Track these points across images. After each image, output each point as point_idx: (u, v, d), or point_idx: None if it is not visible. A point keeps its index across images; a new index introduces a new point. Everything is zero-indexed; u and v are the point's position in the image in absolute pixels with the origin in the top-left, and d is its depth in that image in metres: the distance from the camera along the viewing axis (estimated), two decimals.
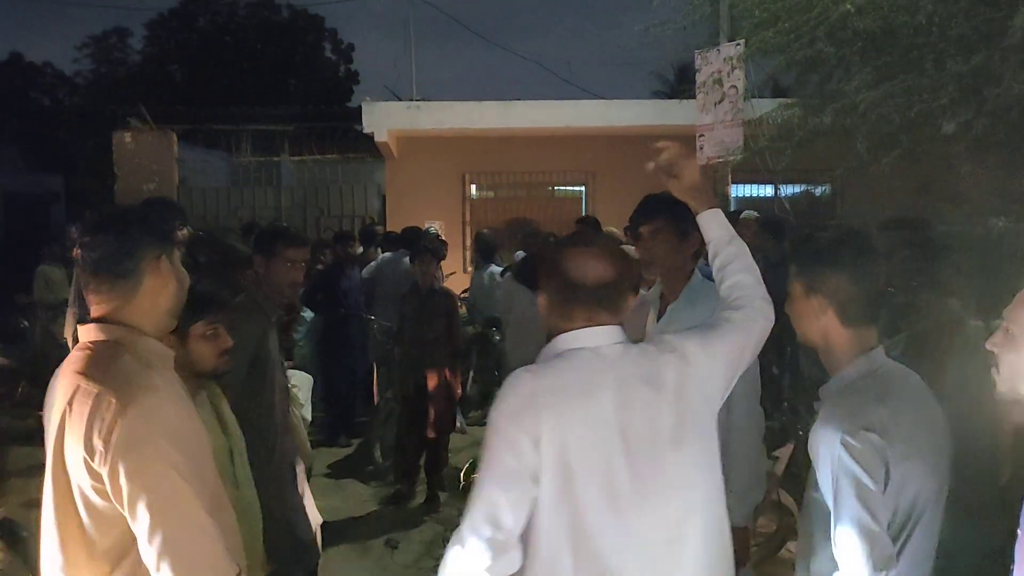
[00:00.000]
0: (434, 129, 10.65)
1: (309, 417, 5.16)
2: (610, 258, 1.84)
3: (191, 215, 5.31)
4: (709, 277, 2.42)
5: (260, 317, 3.36)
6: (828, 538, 1.81)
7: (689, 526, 1.80)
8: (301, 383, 5.15)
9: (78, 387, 1.72)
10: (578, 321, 1.83)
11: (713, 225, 2.12)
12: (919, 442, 1.81)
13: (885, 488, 1.75)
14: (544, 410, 1.71)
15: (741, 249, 2.10)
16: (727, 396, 1.96)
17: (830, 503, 1.78)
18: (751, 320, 1.99)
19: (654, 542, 1.76)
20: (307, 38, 29.98)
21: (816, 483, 1.88)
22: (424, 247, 6.11)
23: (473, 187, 11.68)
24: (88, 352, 1.79)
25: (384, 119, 10.48)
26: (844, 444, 1.72)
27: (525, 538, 1.74)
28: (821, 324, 1.94)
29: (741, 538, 2.55)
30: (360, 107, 10.77)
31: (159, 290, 1.85)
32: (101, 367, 1.75)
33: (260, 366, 3.29)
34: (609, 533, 1.72)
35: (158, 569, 1.66)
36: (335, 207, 12.90)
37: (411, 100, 11.43)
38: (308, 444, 5.10)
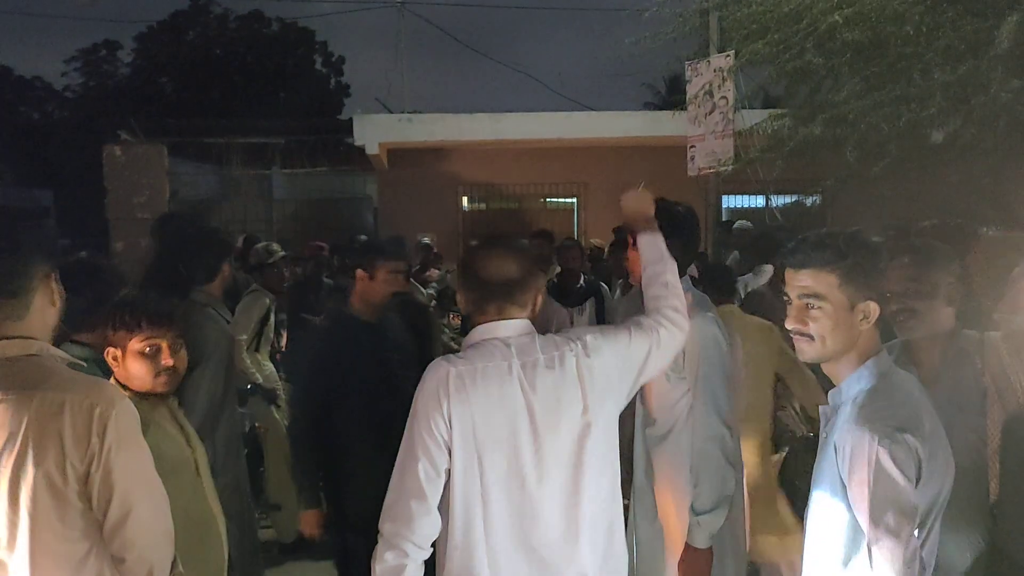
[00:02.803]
0: (426, 141, 10.67)
1: None
2: (515, 258, 2.12)
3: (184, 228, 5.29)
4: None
5: (221, 326, 3.46)
6: (837, 542, 1.81)
7: (584, 497, 2.05)
8: None
9: (43, 400, 1.75)
10: (490, 314, 2.09)
11: (648, 246, 2.48)
12: (936, 441, 1.81)
13: (917, 485, 1.74)
14: (454, 392, 1.97)
15: (666, 267, 2.42)
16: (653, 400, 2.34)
17: (855, 504, 1.76)
18: (657, 325, 2.27)
19: (554, 510, 2.02)
20: (297, 51, 30.00)
21: (827, 486, 1.86)
22: None
23: (465, 199, 11.70)
24: (20, 367, 1.79)
25: (375, 131, 10.49)
26: (882, 446, 1.71)
27: (442, 507, 2.00)
28: (857, 330, 1.87)
29: (704, 560, 2.54)
30: (351, 119, 10.78)
31: (47, 308, 1.88)
32: (52, 377, 1.80)
33: (228, 374, 3.41)
34: (515, 500, 2.00)
35: (132, 547, 1.84)
36: (327, 220, 12.89)
37: (402, 112, 11.45)
38: None
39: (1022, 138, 5.72)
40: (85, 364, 2.04)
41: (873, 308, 1.85)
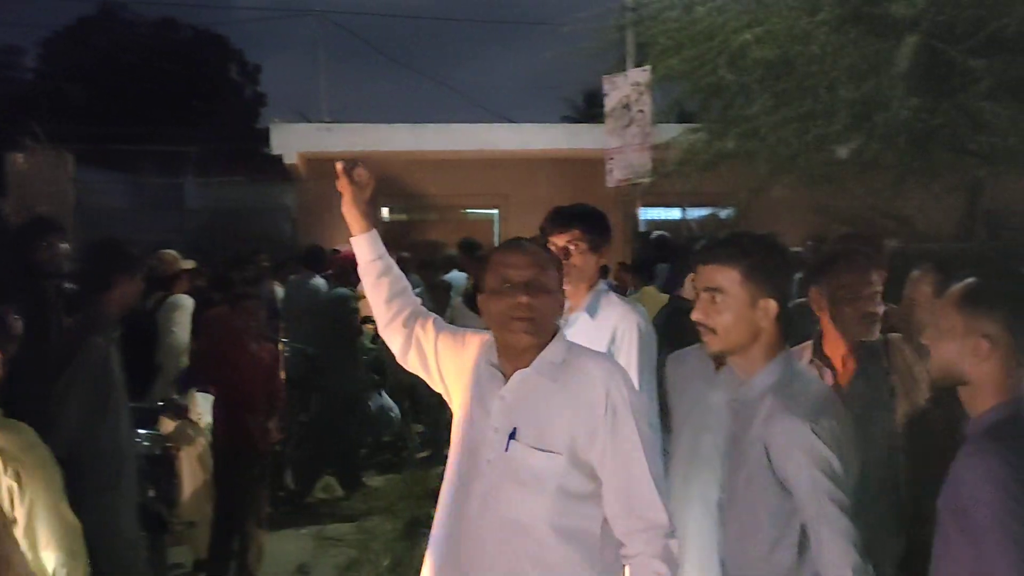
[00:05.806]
0: (345, 151, 10.52)
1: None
2: None
3: (90, 237, 5.04)
4: (614, 289, 2.78)
5: (99, 337, 3.23)
6: (775, 524, 1.87)
7: None
8: (204, 406, 4.97)
9: None
10: None
11: (368, 245, 2.24)
12: (845, 431, 1.89)
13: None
14: None
15: (392, 262, 2.28)
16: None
17: (796, 488, 1.82)
18: None
19: None
20: (211, 58, 29.32)
21: (747, 477, 1.91)
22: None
23: (386, 210, 11.60)
24: None
25: (293, 141, 10.33)
26: (815, 432, 1.80)
27: None
28: (758, 326, 1.94)
29: None
30: (268, 129, 10.59)
31: None
32: None
33: (102, 387, 3.19)
34: None
35: None
36: (243, 230, 12.60)
37: (321, 122, 11.30)
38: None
39: (921, 154, 6.02)
40: None
41: (772, 306, 1.92)
